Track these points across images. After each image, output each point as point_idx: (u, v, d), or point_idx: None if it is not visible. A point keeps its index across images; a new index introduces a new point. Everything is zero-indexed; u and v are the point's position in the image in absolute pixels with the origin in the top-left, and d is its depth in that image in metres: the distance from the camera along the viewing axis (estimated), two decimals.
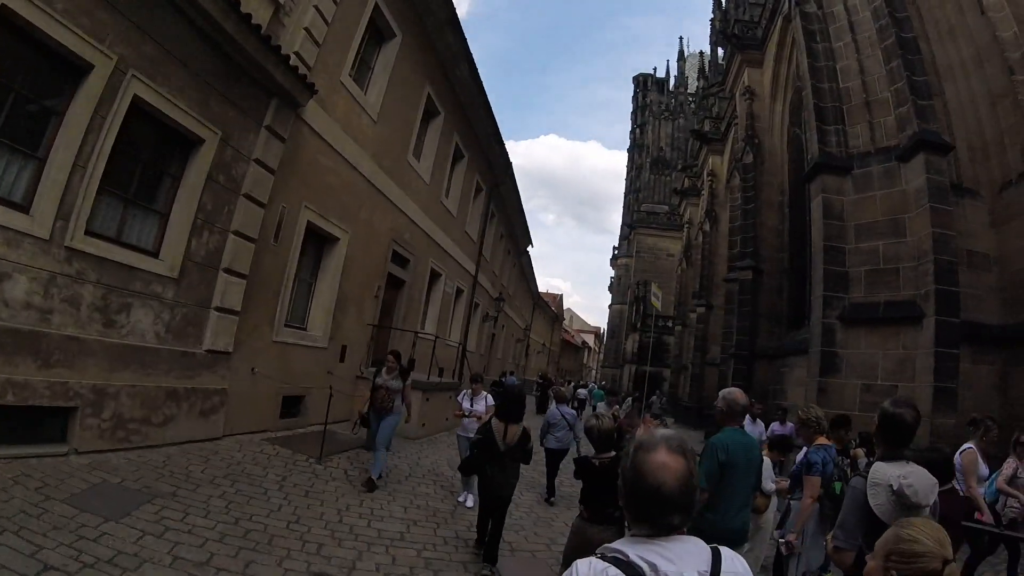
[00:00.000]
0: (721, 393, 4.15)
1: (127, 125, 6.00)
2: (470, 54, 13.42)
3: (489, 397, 7.93)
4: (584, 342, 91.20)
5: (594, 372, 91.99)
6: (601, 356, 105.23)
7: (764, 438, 9.47)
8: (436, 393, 11.95)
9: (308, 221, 9.10)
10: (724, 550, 1.45)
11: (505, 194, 22.17)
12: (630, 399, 16.28)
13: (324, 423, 7.82)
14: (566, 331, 75.29)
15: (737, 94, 23.24)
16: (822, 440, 4.64)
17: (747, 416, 9.25)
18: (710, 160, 30.49)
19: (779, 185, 19.99)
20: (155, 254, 6.64)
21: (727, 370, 19.58)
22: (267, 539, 4.77)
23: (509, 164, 19.70)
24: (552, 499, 8.22)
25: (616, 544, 1.43)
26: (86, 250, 5.72)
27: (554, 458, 8.55)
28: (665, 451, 1.43)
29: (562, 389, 11.91)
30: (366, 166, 10.63)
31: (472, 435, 6.55)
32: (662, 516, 1.40)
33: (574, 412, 9.33)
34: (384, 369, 7.56)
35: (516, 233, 27.98)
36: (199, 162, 6.97)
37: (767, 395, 17.48)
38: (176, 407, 6.79)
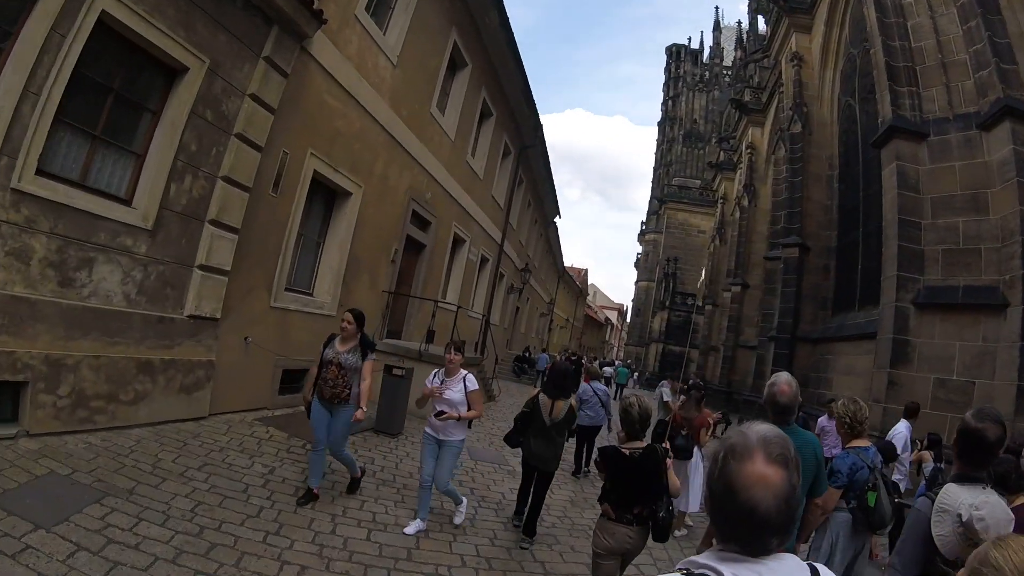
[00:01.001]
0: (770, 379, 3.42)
1: (93, 47, 4.99)
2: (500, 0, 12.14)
3: (470, 378, 5.20)
4: (607, 319, 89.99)
5: (615, 349, 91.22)
6: (623, 334, 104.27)
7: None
8: None
9: (314, 171, 7.97)
10: (823, 569, 1.29)
11: (533, 159, 20.89)
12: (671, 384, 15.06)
13: None
14: (589, 307, 74.08)
15: (783, 60, 21.74)
16: (858, 442, 3.78)
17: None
18: (749, 132, 28.89)
19: (828, 158, 18.74)
20: (127, 201, 5.60)
21: (765, 353, 18.45)
22: (235, 559, 3.74)
23: (539, 126, 18.44)
24: (578, 474, 8.27)
25: (704, 559, 1.22)
26: (38, 193, 4.71)
27: (585, 434, 8.35)
28: (763, 460, 1.16)
29: (593, 366, 11.22)
30: (383, 114, 9.47)
31: (441, 436, 5.03)
32: (757, 539, 1.18)
33: (607, 389, 9.12)
34: (338, 338, 5.03)
35: (544, 202, 26.68)
36: (182, 94, 5.88)
37: (807, 383, 16.48)
38: (151, 382, 5.79)
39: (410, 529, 4.86)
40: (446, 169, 12.59)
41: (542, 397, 5.34)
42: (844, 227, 17.35)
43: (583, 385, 8.80)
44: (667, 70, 66.45)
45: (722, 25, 65.01)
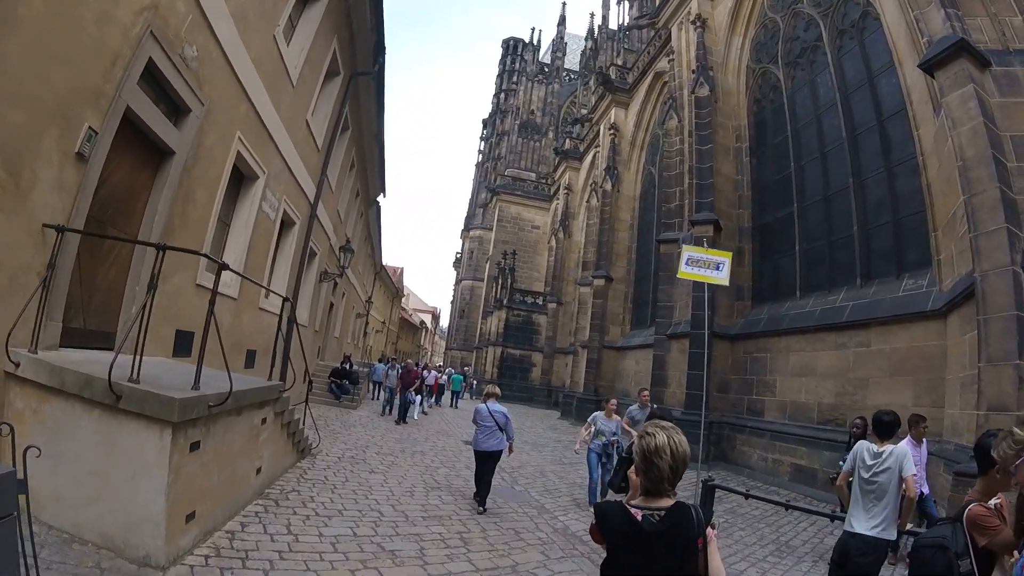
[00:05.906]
0: None
1: None
2: None
3: None
4: (422, 322, 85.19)
5: (430, 354, 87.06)
6: (436, 338, 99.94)
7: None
8: (226, 421, 4.91)
9: None
10: None
11: (365, 99, 15.17)
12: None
13: None
14: (403, 309, 68.70)
15: (676, 26, 19.08)
16: None
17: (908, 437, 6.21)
18: (612, 112, 25.80)
19: (735, 129, 16.05)
20: None
21: (665, 354, 14.86)
22: None
23: (382, 49, 12.88)
24: (480, 509, 7.31)
25: None
26: None
27: (482, 460, 7.59)
28: None
29: (493, 388, 8.32)
30: None
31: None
32: None
33: (504, 411, 7.84)
34: None
35: (368, 169, 20.62)
36: None
37: (727, 388, 13.77)
38: None
39: None
40: (235, 21, 6.68)
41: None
42: (762, 206, 14.65)
43: (479, 406, 7.95)
44: (502, 62, 63.40)
45: (567, 21, 63.87)
